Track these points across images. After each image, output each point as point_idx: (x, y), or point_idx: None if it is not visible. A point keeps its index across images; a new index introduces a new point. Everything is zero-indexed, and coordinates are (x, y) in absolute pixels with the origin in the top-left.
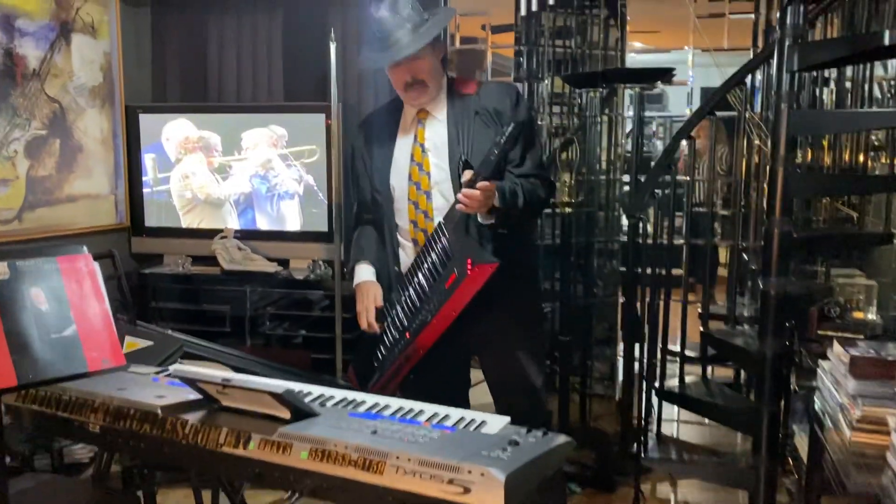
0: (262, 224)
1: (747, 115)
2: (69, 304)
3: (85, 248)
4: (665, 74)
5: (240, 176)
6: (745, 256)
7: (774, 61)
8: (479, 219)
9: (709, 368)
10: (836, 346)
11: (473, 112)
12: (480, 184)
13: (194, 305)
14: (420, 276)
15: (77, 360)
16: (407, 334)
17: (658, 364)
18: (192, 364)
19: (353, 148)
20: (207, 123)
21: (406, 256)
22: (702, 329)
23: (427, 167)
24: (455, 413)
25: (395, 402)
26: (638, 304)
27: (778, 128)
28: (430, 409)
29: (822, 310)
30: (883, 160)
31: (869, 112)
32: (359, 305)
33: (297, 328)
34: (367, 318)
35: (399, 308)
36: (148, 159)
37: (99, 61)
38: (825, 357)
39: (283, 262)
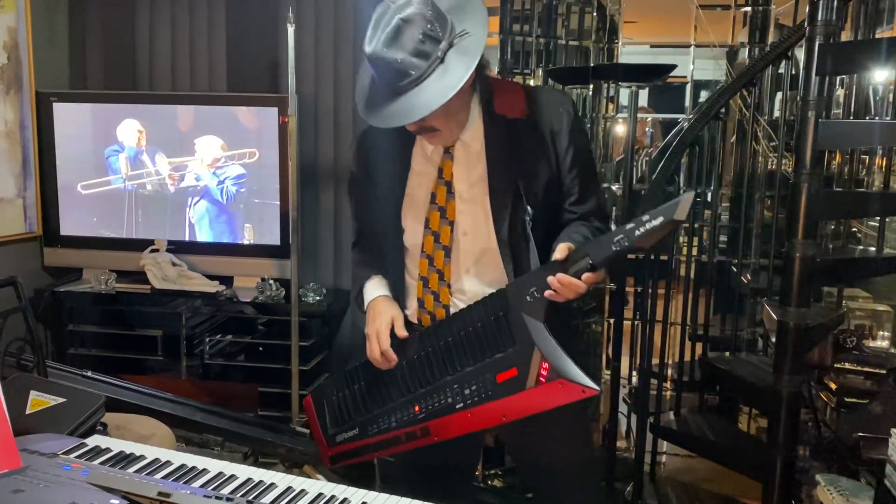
0: (203, 235)
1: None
2: None
3: None
4: (665, 72)
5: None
6: (745, 276)
7: (802, 59)
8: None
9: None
10: None
11: (522, 134)
12: (587, 276)
13: (119, 329)
14: (453, 337)
15: None
16: (416, 407)
17: (643, 391)
18: (116, 418)
19: (351, 169)
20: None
21: (412, 308)
22: (701, 356)
23: (452, 214)
24: None
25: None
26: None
27: (803, 139)
28: None
29: (837, 339)
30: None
31: None
32: (369, 328)
33: (242, 358)
34: (378, 343)
35: (407, 365)
36: (121, 158)
37: (3, 38)
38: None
39: (227, 280)
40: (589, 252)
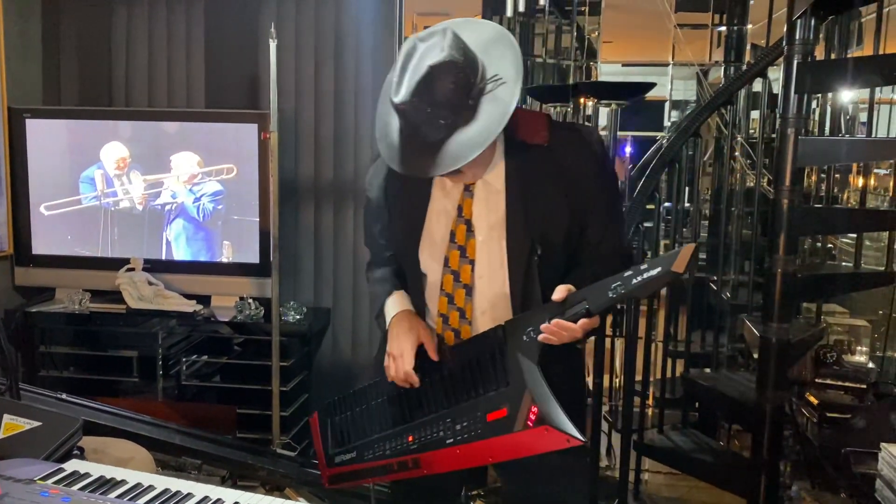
0: (181, 253)
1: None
2: None
3: None
4: (645, 89)
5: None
6: (725, 293)
7: (782, 77)
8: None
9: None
10: None
11: (544, 173)
12: (583, 322)
13: (93, 350)
14: (449, 369)
15: None
16: (410, 437)
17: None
18: (93, 441)
19: (367, 195)
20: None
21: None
22: (682, 373)
23: (472, 252)
24: None
25: None
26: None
27: (783, 156)
28: None
29: (818, 355)
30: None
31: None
32: (392, 346)
33: (220, 379)
34: (402, 364)
35: (406, 393)
36: (97, 175)
37: None
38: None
39: (204, 300)
40: (587, 297)
